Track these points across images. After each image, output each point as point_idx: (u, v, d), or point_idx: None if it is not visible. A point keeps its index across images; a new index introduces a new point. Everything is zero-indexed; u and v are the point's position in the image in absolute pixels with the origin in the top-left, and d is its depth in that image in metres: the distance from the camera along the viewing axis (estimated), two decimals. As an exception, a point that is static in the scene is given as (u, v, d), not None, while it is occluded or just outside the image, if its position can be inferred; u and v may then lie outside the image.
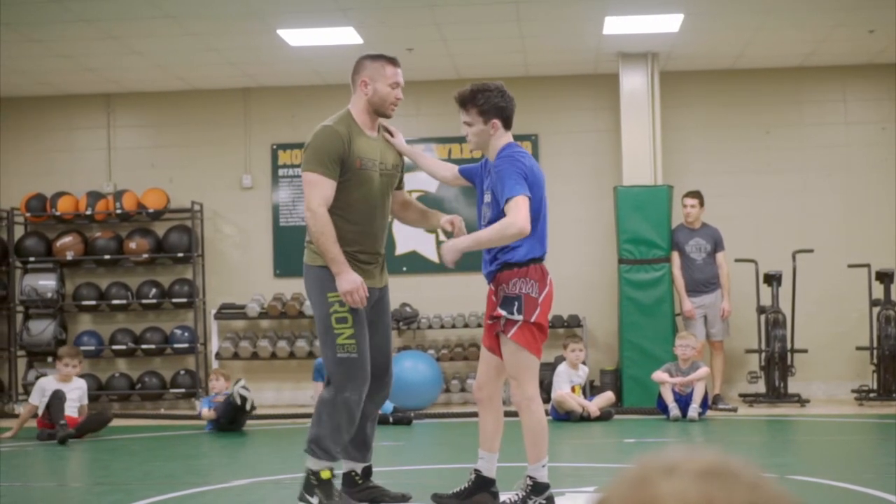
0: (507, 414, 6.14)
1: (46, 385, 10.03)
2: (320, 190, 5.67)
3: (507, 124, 5.72)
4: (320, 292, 5.76)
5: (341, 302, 5.70)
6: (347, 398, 5.73)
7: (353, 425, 5.81)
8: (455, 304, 12.66)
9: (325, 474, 5.78)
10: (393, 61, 5.91)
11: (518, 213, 5.43)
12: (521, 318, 5.58)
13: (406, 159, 6.19)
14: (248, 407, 10.13)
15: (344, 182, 5.74)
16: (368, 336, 5.89)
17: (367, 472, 6.12)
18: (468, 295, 12.44)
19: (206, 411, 10.41)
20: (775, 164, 12.69)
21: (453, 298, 12.69)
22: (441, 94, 12.27)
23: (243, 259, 13.19)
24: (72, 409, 9.96)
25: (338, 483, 6.00)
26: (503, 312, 5.61)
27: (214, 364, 12.34)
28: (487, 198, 5.72)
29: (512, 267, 5.63)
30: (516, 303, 5.58)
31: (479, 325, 12.36)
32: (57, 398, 9.78)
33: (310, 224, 5.70)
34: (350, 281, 5.64)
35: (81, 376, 10.67)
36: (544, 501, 5.71)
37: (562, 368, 10.75)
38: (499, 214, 5.58)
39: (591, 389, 11.24)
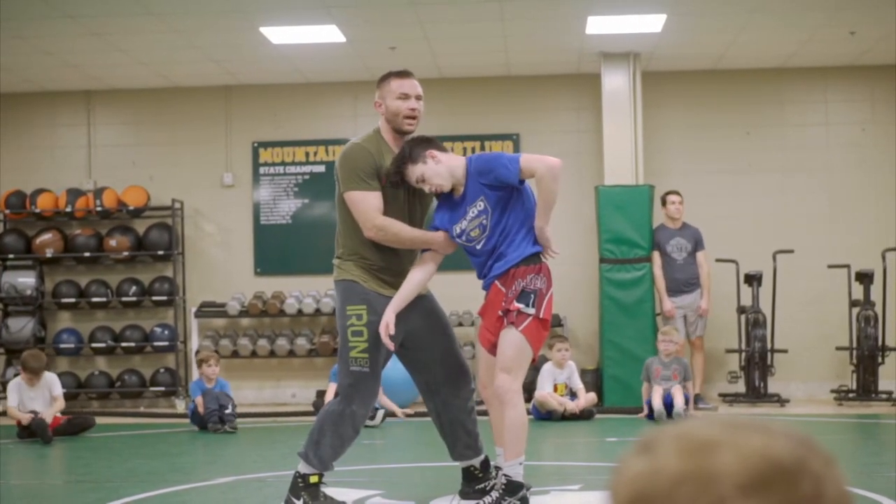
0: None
1: (18, 388, 10.00)
2: (370, 202, 5.65)
3: (438, 146, 5.74)
4: (342, 304, 5.78)
5: (358, 315, 5.71)
6: (355, 411, 5.74)
7: (355, 438, 5.83)
8: (440, 302, 12.62)
9: (314, 479, 5.78)
10: (400, 74, 5.92)
11: (540, 158, 5.54)
12: (533, 311, 5.57)
13: None
14: (227, 428, 10.07)
15: None
16: (433, 343, 5.96)
17: (486, 465, 6.12)
18: (453, 294, 12.40)
19: (200, 400, 10.27)
20: (756, 164, 12.74)
21: (438, 297, 12.62)
22: (423, 93, 12.25)
23: (224, 257, 13.15)
24: (48, 412, 9.88)
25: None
26: (520, 305, 5.58)
27: (194, 364, 12.22)
28: (473, 211, 5.65)
29: (529, 262, 5.63)
30: (533, 296, 5.58)
31: (461, 324, 12.37)
32: (38, 422, 9.72)
33: (381, 239, 5.68)
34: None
35: (60, 375, 10.61)
36: (518, 502, 5.60)
37: (547, 368, 10.76)
38: (499, 199, 5.60)
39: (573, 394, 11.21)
